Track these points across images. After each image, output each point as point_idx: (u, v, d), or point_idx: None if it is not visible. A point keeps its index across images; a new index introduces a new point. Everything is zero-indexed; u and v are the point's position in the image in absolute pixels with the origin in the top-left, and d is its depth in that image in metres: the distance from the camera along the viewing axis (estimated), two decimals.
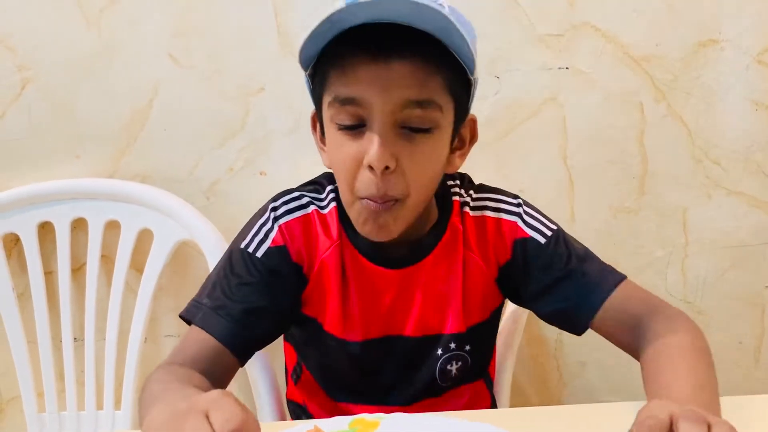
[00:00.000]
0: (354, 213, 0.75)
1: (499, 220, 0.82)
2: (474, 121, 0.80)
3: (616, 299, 0.77)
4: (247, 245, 0.78)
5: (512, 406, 1.08)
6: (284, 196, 0.82)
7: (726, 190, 1.22)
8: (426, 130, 0.71)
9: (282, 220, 0.79)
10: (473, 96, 0.77)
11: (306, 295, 0.81)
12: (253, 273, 0.77)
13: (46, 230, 1.13)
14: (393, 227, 0.73)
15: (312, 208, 0.81)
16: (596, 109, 1.17)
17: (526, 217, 0.82)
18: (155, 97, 1.13)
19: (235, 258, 0.79)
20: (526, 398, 1.26)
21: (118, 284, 1.12)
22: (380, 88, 0.68)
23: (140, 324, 1.11)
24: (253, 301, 0.76)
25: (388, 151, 0.69)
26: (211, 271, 0.83)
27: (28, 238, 1.11)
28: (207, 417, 0.50)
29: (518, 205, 0.83)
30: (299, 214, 0.80)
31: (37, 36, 1.10)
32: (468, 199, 0.83)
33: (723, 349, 1.27)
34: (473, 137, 0.81)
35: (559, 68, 1.16)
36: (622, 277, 0.80)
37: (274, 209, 0.80)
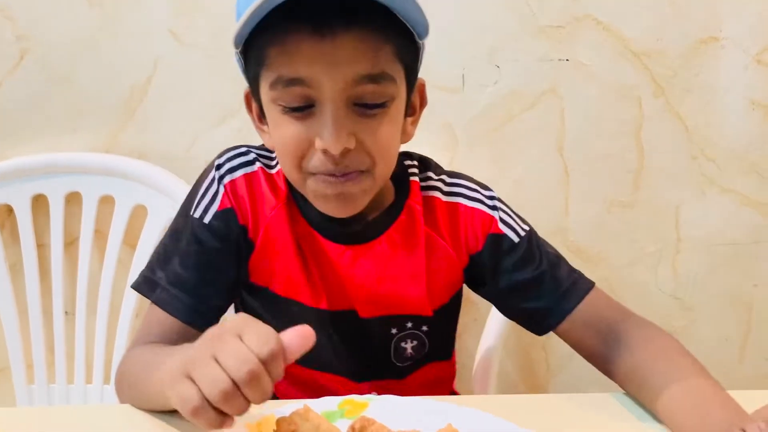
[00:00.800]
0: (309, 190, 0.70)
1: (474, 210, 0.79)
2: (423, 85, 0.76)
3: (586, 305, 0.76)
4: (194, 210, 0.75)
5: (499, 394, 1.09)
6: (230, 151, 0.78)
7: (720, 187, 1.22)
8: (381, 104, 0.67)
9: (227, 179, 0.75)
10: (422, 59, 0.73)
11: (253, 261, 0.77)
12: (202, 241, 0.74)
13: (39, 203, 1.13)
14: (359, 200, 0.70)
15: (258, 165, 0.77)
16: (595, 103, 1.18)
17: (501, 213, 0.79)
18: (154, 74, 1.12)
19: (184, 225, 0.76)
20: (514, 387, 1.27)
21: (110, 259, 1.12)
22: (328, 65, 0.63)
23: (131, 300, 1.12)
24: (206, 271, 0.74)
25: (344, 131, 0.65)
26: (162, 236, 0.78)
27: (21, 209, 1.11)
28: (240, 340, 0.51)
29: (492, 198, 0.80)
30: (244, 171, 0.76)
31: (37, 7, 1.09)
32: (439, 183, 0.80)
33: (710, 344, 1.28)
34: (422, 102, 0.77)
35: (560, 60, 1.16)
36: (592, 284, 0.78)
37: (219, 167, 0.76)
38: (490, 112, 1.16)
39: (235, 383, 0.49)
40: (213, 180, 0.76)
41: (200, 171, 1.16)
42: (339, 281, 0.78)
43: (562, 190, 1.21)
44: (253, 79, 0.70)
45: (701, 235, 1.24)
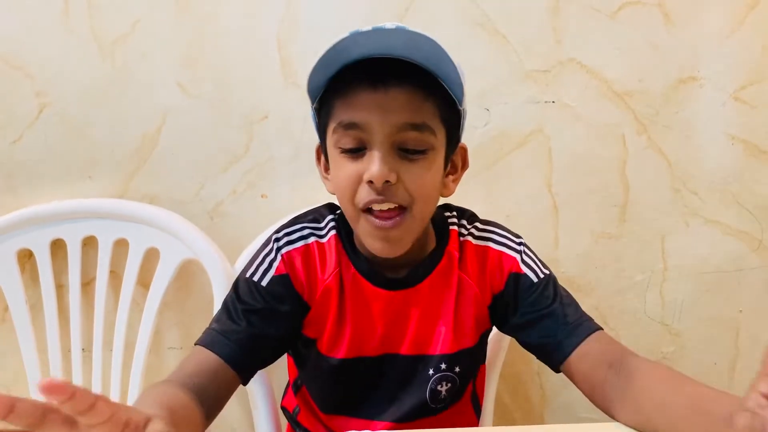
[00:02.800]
0: (361, 230, 0.79)
1: (501, 253, 0.87)
2: (465, 150, 0.86)
3: (591, 343, 0.81)
4: (252, 274, 0.84)
5: (495, 422, 1.14)
6: (286, 228, 0.87)
7: (703, 218, 1.28)
8: (421, 152, 0.76)
9: (284, 250, 0.84)
10: (463, 125, 0.83)
11: (308, 319, 0.86)
12: (258, 300, 0.82)
13: (58, 246, 1.19)
14: (402, 241, 0.79)
15: (312, 239, 0.86)
16: (580, 141, 1.24)
17: (524, 257, 0.87)
18: (164, 124, 1.19)
19: (242, 286, 0.84)
20: (509, 414, 1.32)
21: (125, 299, 1.18)
22: (380, 112, 0.74)
23: (145, 336, 1.17)
24: (257, 327, 0.81)
25: (387, 166, 0.74)
26: (217, 298, 0.87)
27: (41, 253, 1.18)
28: None
29: (520, 244, 0.88)
30: (300, 245, 0.85)
31: (54, 64, 1.16)
32: (472, 229, 0.89)
33: (698, 370, 1.33)
34: (464, 164, 0.87)
35: (546, 102, 1.22)
36: (599, 327, 0.84)
37: (277, 240, 0.85)
38: (482, 151, 1.23)
39: None
40: (271, 250, 0.85)
41: (208, 214, 1.24)
42: (385, 326, 0.85)
43: (552, 223, 1.27)
44: (322, 131, 0.82)
45: (687, 264, 1.29)
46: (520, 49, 1.20)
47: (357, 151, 0.76)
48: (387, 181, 0.74)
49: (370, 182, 0.75)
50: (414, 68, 0.73)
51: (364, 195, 0.76)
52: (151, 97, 1.18)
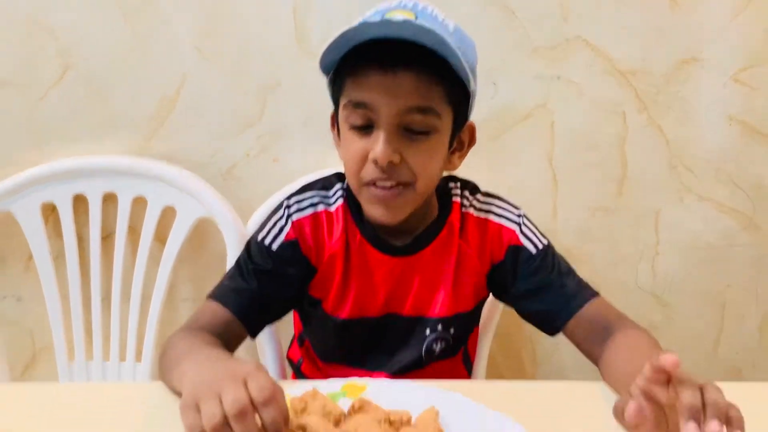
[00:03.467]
0: (363, 199, 0.84)
1: (500, 225, 0.92)
2: (473, 128, 0.90)
3: (588, 310, 0.87)
4: (264, 238, 0.90)
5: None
6: (297, 195, 0.92)
7: (697, 195, 1.33)
8: (425, 133, 0.80)
9: (294, 217, 0.89)
10: (472, 105, 0.87)
11: (314, 282, 0.92)
12: (268, 261, 0.88)
13: (79, 201, 1.25)
14: (402, 209, 0.83)
15: (321, 207, 0.91)
16: (583, 117, 1.28)
17: (523, 228, 0.92)
18: (182, 87, 1.24)
19: (254, 248, 0.90)
20: (501, 374, 1.39)
21: (142, 253, 1.24)
22: (387, 94, 0.78)
23: (161, 289, 1.24)
24: (266, 286, 0.88)
25: (391, 147, 0.79)
26: (230, 255, 0.94)
27: (63, 207, 1.24)
28: (245, 384, 0.60)
29: (519, 216, 0.93)
30: (309, 212, 0.90)
31: (79, 27, 1.21)
32: (474, 201, 0.94)
33: (685, 340, 1.40)
34: (471, 141, 0.91)
35: (551, 78, 1.26)
36: (596, 293, 0.90)
37: (288, 207, 0.90)
38: (487, 124, 1.27)
39: (226, 418, 0.58)
40: (282, 216, 0.90)
41: (222, 175, 1.29)
42: (388, 289, 0.91)
43: (551, 196, 1.32)
44: (335, 102, 0.86)
45: (679, 239, 1.35)
46: (528, 25, 1.23)
47: (365, 129, 0.81)
48: (390, 162, 0.79)
49: (375, 161, 0.79)
50: (423, 53, 0.76)
51: (369, 172, 0.81)
52: (170, 62, 1.23)
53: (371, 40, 0.76)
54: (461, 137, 0.89)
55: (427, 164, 0.82)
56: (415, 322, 0.93)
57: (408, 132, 0.80)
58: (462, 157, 0.90)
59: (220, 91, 1.25)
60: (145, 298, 1.25)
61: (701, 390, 0.58)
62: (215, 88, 1.24)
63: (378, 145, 0.79)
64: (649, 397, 0.60)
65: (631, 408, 0.60)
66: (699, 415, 0.57)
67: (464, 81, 0.80)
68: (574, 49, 1.25)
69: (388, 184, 0.81)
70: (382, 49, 0.77)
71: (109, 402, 0.77)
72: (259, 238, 0.90)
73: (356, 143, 0.81)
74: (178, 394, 0.73)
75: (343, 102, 0.82)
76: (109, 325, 1.26)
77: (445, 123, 0.83)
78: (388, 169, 0.80)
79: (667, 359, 0.58)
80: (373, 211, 0.84)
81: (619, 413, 0.66)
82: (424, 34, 0.75)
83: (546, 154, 1.30)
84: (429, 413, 0.71)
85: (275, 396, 0.60)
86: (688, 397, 0.57)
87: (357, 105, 0.80)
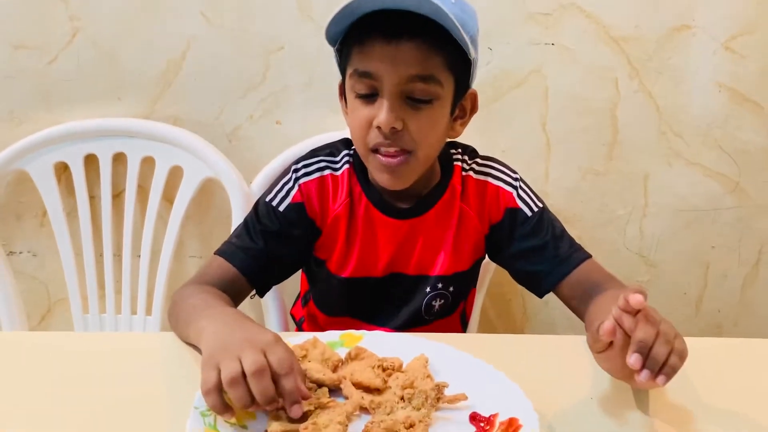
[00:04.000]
0: (371, 166, 0.90)
1: (498, 188, 0.97)
2: (475, 95, 0.94)
3: (578, 272, 0.92)
4: (272, 199, 0.94)
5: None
6: (305, 160, 0.96)
7: (685, 160, 1.37)
8: (427, 101, 0.85)
9: (301, 181, 0.94)
10: (474, 73, 0.91)
11: (319, 243, 0.97)
12: (274, 222, 0.93)
13: (90, 161, 1.30)
14: (406, 176, 0.88)
15: (327, 171, 0.95)
16: (576, 82, 1.32)
17: (520, 192, 0.97)
18: (188, 50, 1.28)
19: (261, 208, 0.95)
20: (493, 329, 1.46)
21: (151, 211, 1.30)
22: (390, 64, 0.82)
23: (170, 245, 1.30)
24: (272, 246, 0.93)
25: (394, 114, 0.83)
26: (234, 214, 0.99)
27: (75, 166, 1.29)
28: (264, 353, 0.64)
29: (516, 179, 0.98)
30: (316, 176, 0.95)
31: None
32: (473, 164, 0.98)
33: (669, 298, 1.46)
34: (473, 108, 0.95)
35: (546, 44, 1.30)
36: (589, 256, 0.95)
37: (296, 171, 0.95)
38: (482, 89, 1.28)
39: (244, 375, 0.63)
40: (290, 179, 0.95)
41: (227, 137, 1.34)
42: (393, 250, 0.96)
43: (544, 159, 1.37)
44: (342, 72, 0.90)
45: (666, 202, 1.40)
46: None
47: (370, 97, 0.85)
48: (393, 128, 0.84)
49: (379, 127, 0.84)
50: (425, 22, 0.80)
51: (374, 137, 0.86)
52: (176, 25, 1.26)
53: (374, 11, 0.80)
54: (463, 104, 0.93)
55: (428, 132, 0.87)
56: (417, 281, 0.99)
57: (410, 100, 0.84)
58: (464, 124, 0.94)
59: (225, 56, 1.28)
60: (155, 255, 1.31)
61: (658, 330, 0.64)
62: (220, 52, 1.28)
63: (382, 112, 0.83)
64: (619, 323, 0.66)
65: (605, 325, 0.65)
66: (645, 349, 0.63)
67: (466, 49, 0.84)
68: (568, 16, 1.28)
69: (391, 150, 0.86)
70: (386, 19, 0.81)
71: (121, 350, 0.83)
72: (267, 199, 0.95)
73: (362, 111, 0.86)
74: (192, 346, 0.80)
75: (349, 71, 0.87)
76: (120, 280, 1.33)
77: (447, 91, 0.87)
78: (391, 135, 0.84)
79: (634, 298, 0.63)
80: (380, 177, 0.89)
81: (592, 338, 0.71)
82: (424, 4, 0.78)
83: (540, 118, 1.34)
84: (419, 360, 0.77)
85: (293, 367, 0.65)
86: (640, 331, 0.63)
87: (362, 75, 0.84)
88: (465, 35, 0.82)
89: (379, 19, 0.81)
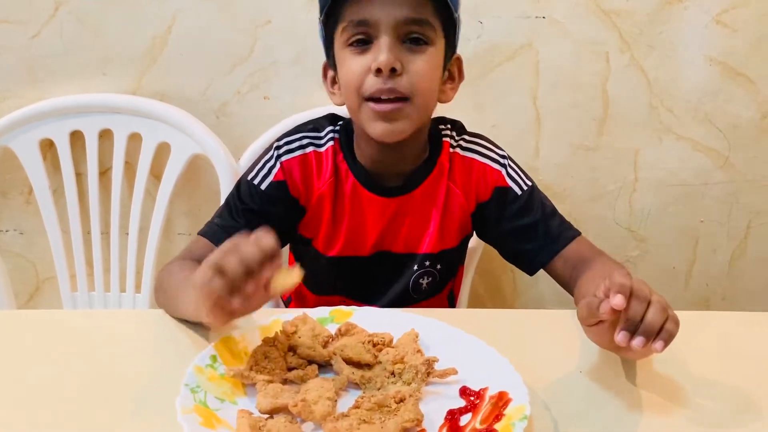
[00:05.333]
0: (364, 117, 0.86)
1: (485, 165, 0.96)
2: (460, 60, 0.95)
3: (568, 250, 0.93)
4: (254, 177, 0.93)
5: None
6: (287, 137, 0.95)
7: (676, 135, 1.37)
8: (424, 42, 0.85)
9: (283, 158, 0.93)
10: (458, 34, 0.91)
11: (304, 221, 0.96)
12: (256, 201, 0.92)
13: (76, 137, 1.28)
14: (401, 125, 0.86)
15: (310, 149, 0.94)
16: (567, 57, 1.31)
17: (509, 170, 0.96)
18: (174, 25, 1.26)
19: (243, 187, 0.94)
20: (483, 304, 1.46)
21: (139, 188, 1.29)
22: (387, 8, 0.83)
23: (158, 222, 1.29)
24: (253, 225, 0.89)
25: (393, 54, 0.83)
26: (223, 191, 0.97)
27: (61, 143, 1.27)
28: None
29: (504, 157, 0.97)
30: (298, 154, 0.93)
31: None
32: (460, 141, 0.97)
33: (658, 272, 1.47)
34: (460, 74, 0.95)
35: (537, 17, 1.28)
36: (578, 233, 0.95)
37: (278, 148, 0.93)
38: (473, 63, 1.29)
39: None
40: (272, 157, 0.93)
41: (215, 113, 1.33)
42: (380, 229, 0.95)
43: (534, 134, 1.36)
44: (329, 41, 0.89)
45: (656, 177, 1.40)
46: None
47: (365, 44, 0.85)
48: (393, 69, 0.83)
49: (378, 71, 0.83)
50: None
51: (371, 84, 0.84)
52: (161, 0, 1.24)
53: None
54: (451, 70, 0.93)
55: (425, 76, 0.86)
56: (405, 259, 0.98)
57: (407, 43, 0.84)
58: (454, 90, 0.94)
59: (211, 28, 1.26)
60: (143, 232, 1.30)
61: (648, 305, 0.64)
62: (206, 26, 1.26)
63: (381, 53, 0.82)
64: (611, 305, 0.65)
65: (604, 305, 0.64)
66: (632, 327, 0.64)
67: (453, 5, 0.86)
68: None
69: (390, 96, 0.84)
70: None
71: (111, 327, 0.82)
72: (249, 177, 0.94)
73: (357, 60, 0.85)
74: (182, 321, 0.80)
75: (341, 27, 0.86)
76: (109, 258, 1.32)
77: (439, 39, 0.87)
78: (389, 78, 0.83)
79: (615, 300, 0.63)
80: (375, 127, 0.86)
81: (583, 311, 0.70)
82: None
83: (530, 93, 1.33)
84: (409, 335, 0.78)
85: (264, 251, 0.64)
86: (630, 309, 0.64)
87: (358, 23, 0.84)
88: None
89: None
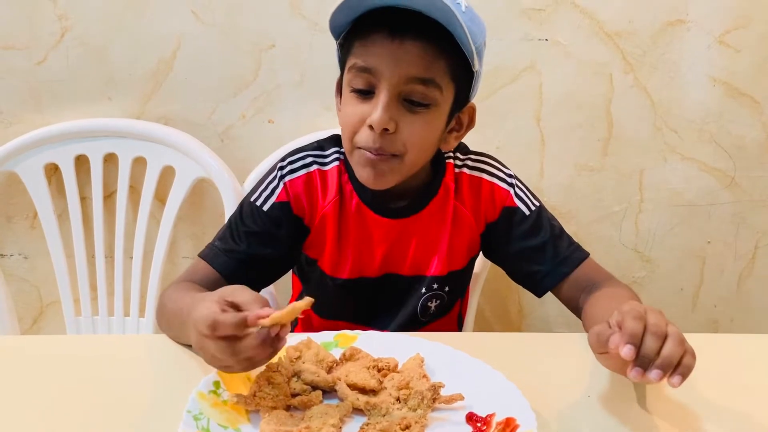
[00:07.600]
0: (354, 160, 0.86)
1: (493, 185, 0.95)
2: (473, 109, 0.92)
3: (579, 272, 0.92)
4: (256, 199, 0.92)
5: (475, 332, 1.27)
6: (290, 157, 0.94)
7: (680, 155, 1.37)
8: (424, 105, 0.82)
9: (287, 179, 0.92)
10: (476, 86, 0.89)
11: (308, 242, 0.95)
12: (258, 223, 0.91)
13: (81, 161, 1.29)
14: (388, 177, 0.85)
15: (314, 167, 0.93)
16: (570, 78, 1.31)
17: (517, 190, 0.95)
18: (178, 49, 1.27)
19: (245, 209, 0.93)
20: (489, 327, 1.45)
21: (143, 211, 1.29)
22: (391, 61, 0.80)
23: (162, 246, 1.29)
24: (256, 248, 0.91)
25: (388, 115, 0.80)
26: (227, 214, 0.97)
27: (66, 167, 1.28)
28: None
29: (511, 176, 0.96)
30: (302, 173, 0.92)
31: None
32: (466, 161, 0.96)
33: (666, 294, 1.45)
34: (471, 122, 0.93)
35: (539, 39, 1.29)
36: (587, 255, 0.94)
37: (281, 168, 0.93)
38: None
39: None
40: (275, 177, 0.93)
41: (219, 136, 1.33)
42: (386, 250, 0.94)
43: (538, 155, 1.36)
44: (342, 66, 0.88)
45: (662, 197, 1.39)
46: None
47: (366, 93, 0.83)
48: (385, 129, 0.81)
49: (371, 127, 0.82)
50: (432, 25, 0.78)
51: (363, 138, 0.83)
52: (166, 24, 1.25)
53: (382, 7, 0.78)
54: (460, 117, 0.90)
55: (420, 138, 0.84)
56: (412, 282, 0.97)
57: (407, 103, 0.82)
58: (458, 138, 0.92)
59: (215, 53, 1.27)
60: (147, 256, 1.30)
61: (665, 338, 0.63)
62: (210, 49, 1.27)
63: (376, 110, 0.81)
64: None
65: (614, 339, 0.63)
66: (646, 365, 0.62)
67: (468, 58, 0.82)
68: (562, 11, 1.27)
69: (380, 153, 0.83)
70: (392, 16, 0.79)
71: (114, 353, 0.82)
72: (252, 198, 0.93)
73: (356, 107, 0.84)
74: (186, 345, 0.79)
75: (348, 65, 0.84)
76: (113, 282, 1.32)
77: (446, 98, 0.84)
78: (381, 137, 0.82)
79: (624, 351, 0.62)
80: (361, 172, 0.86)
81: (593, 340, 0.69)
82: (434, 6, 0.76)
83: (534, 114, 1.33)
84: (414, 360, 0.77)
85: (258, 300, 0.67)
86: (645, 347, 0.62)
87: (361, 69, 0.82)
88: (472, 44, 0.80)
89: (386, 15, 0.79)
